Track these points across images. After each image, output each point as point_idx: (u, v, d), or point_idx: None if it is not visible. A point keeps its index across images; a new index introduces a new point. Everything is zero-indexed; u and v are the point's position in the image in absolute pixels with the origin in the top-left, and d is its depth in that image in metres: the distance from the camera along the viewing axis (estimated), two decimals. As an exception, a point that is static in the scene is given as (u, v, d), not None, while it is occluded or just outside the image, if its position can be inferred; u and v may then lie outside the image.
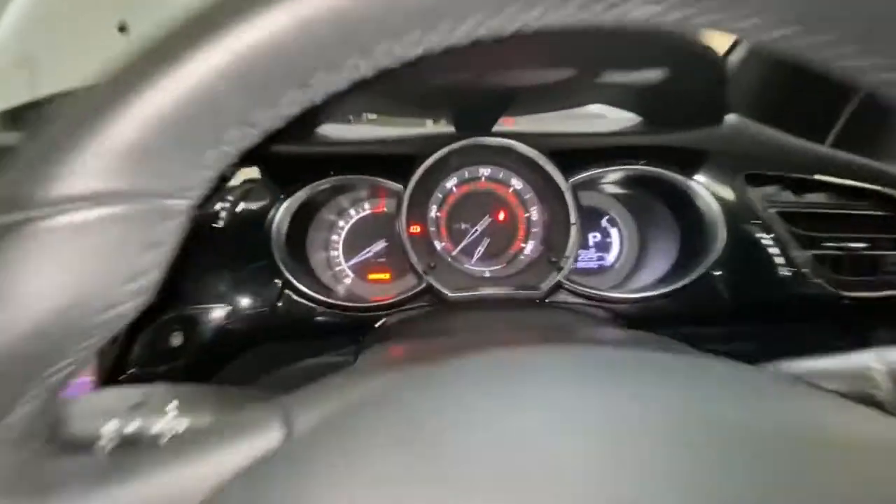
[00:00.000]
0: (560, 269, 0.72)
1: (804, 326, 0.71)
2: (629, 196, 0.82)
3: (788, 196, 0.73)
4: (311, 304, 0.68)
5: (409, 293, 0.71)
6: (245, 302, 0.67)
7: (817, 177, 0.70)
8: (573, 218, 0.72)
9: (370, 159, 0.74)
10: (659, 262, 0.80)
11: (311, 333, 0.69)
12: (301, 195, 0.72)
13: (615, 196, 0.84)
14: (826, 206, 0.71)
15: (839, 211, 0.70)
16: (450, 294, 0.70)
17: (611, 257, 0.84)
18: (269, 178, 0.72)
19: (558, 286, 0.72)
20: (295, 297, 0.68)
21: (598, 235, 0.84)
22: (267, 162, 0.73)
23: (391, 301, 0.70)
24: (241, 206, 0.70)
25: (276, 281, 0.68)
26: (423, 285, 0.71)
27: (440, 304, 0.70)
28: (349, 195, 0.80)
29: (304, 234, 0.78)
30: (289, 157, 0.73)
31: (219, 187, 0.68)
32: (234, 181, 0.70)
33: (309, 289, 0.69)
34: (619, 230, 0.84)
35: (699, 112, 0.71)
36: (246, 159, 0.70)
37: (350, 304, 0.70)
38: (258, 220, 0.70)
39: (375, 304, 0.70)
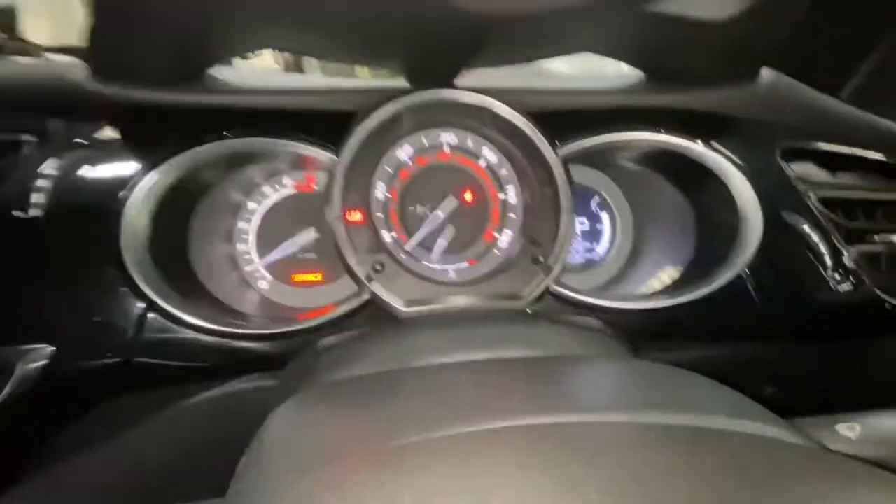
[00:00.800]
0: (549, 269, 0.56)
1: (853, 344, 0.57)
2: (624, 172, 0.67)
3: (824, 175, 0.57)
4: (194, 333, 0.46)
5: (346, 308, 0.54)
6: (82, 338, 0.44)
7: (863, 153, 0.55)
8: (564, 202, 0.57)
9: (291, 116, 0.55)
10: (659, 258, 0.67)
11: (200, 376, 0.47)
12: (176, 165, 0.50)
13: (606, 171, 0.69)
14: (869, 189, 0.56)
15: (886, 197, 0.55)
16: (402, 309, 0.53)
17: (601, 249, 0.70)
18: (129, 140, 0.48)
19: (545, 292, 0.57)
20: (169, 324, 0.45)
21: (586, 221, 0.70)
22: (126, 115, 0.48)
23: (318, 322, 0.53)
24: (74, 184, 0.45)
25: (136, 303, 0.45)
26: (366, 296, 0.54)
27: (389, 323, 0.54)
28: (263, 167, 0.60)
29: (183, 224, 0.56)
30: (161, 108, 0.50)
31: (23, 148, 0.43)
32: (66, 142, 0.44)
33: (188, 310, 0.48)
34: (612, 215, 0.69)
35: (729, 64, 0.53)
36: (91, 109, 0.47)
37: (256, 332, 0.50)
38: (104, 206, 0.46)
39: (295, 328, 0.50)
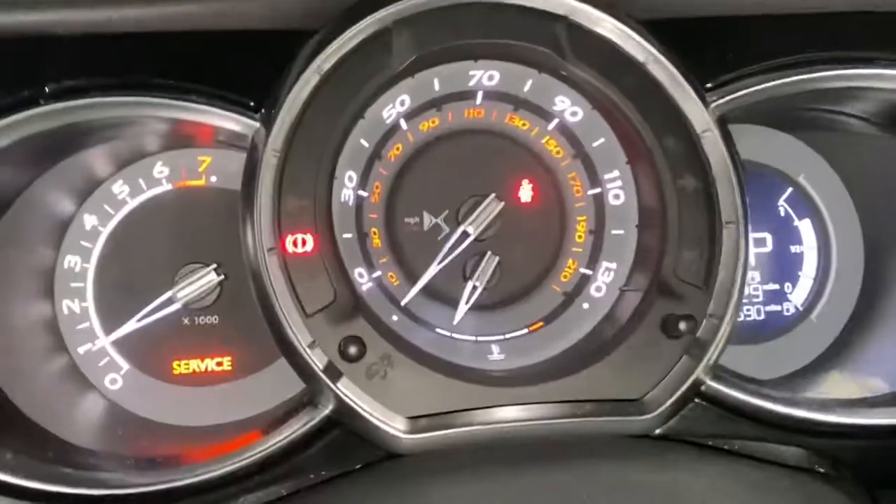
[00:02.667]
0: (701, 347, 0.57)
1: None
2: (844, 142, 0.70)
3: None
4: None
5: (289, 436, 0.55)
6: None
7: None
8: (725, 201, 0.59)
9: (170, 46, 0.59)
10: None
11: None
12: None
13: (806, 139, 0.71)
14: None
15: None
16: (402, 435, 0.55)
17: (797, 296, 0.71)
18: None
19: (693, 393, 0.58)
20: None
21: (770, 238, 0.72)
22: None
23: (228, 467, 0.54)
24: None
25: None
26: (327, 410, 0.56)
27: (374, 464, 0.56)
28: (115, 145, 0.63)
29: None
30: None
31: None
32: None
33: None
34: (821, 225, 0.72)
35: None
36: None
37: (98, 493, 0.52)
38: None
39: (179, 481, 0.53)
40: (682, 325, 0.57)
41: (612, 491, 0.52)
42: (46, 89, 0.55)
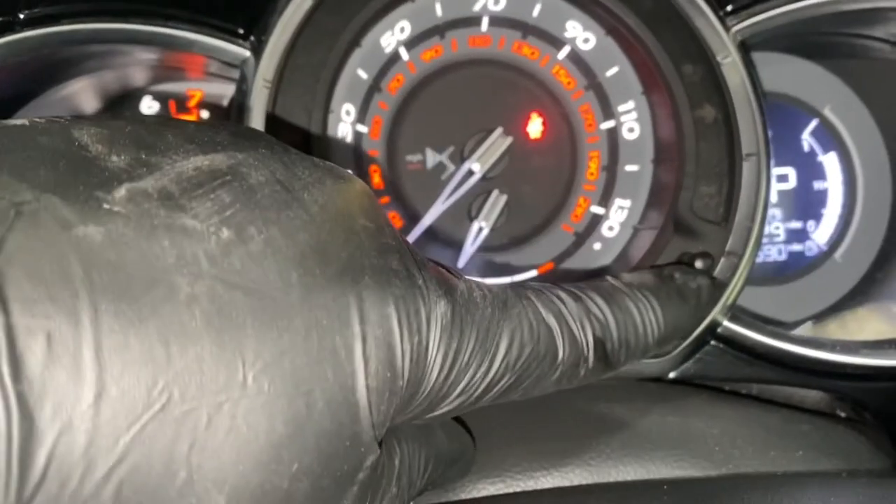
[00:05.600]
0: (719, 287, 0.56)
1: None
2: (874, 69, 0.68)
3: None
4: None
5: None
6: None
7: None
8: (747, 134, 0.57)
9: None
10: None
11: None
12: None
13: (833, 67, 0.69)
14: None
15: None
16: None
17: (821, 235, 0.70)
18: None
19: (709, 334, 0.57)
20: None
21: (793, 174, 0.70)
22: None
23: None
24: None
25: None
26: None
27: None
28: (98, 78, 0.62)
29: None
30: None
31: None
32: None
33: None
34: (846, 160, 0.70)
35: None
36: None
37: None
38: None
39: None
40: (699, 264, 0.56)
41: (621, 437, 0.52)
42: (21, 16, 0.54)
